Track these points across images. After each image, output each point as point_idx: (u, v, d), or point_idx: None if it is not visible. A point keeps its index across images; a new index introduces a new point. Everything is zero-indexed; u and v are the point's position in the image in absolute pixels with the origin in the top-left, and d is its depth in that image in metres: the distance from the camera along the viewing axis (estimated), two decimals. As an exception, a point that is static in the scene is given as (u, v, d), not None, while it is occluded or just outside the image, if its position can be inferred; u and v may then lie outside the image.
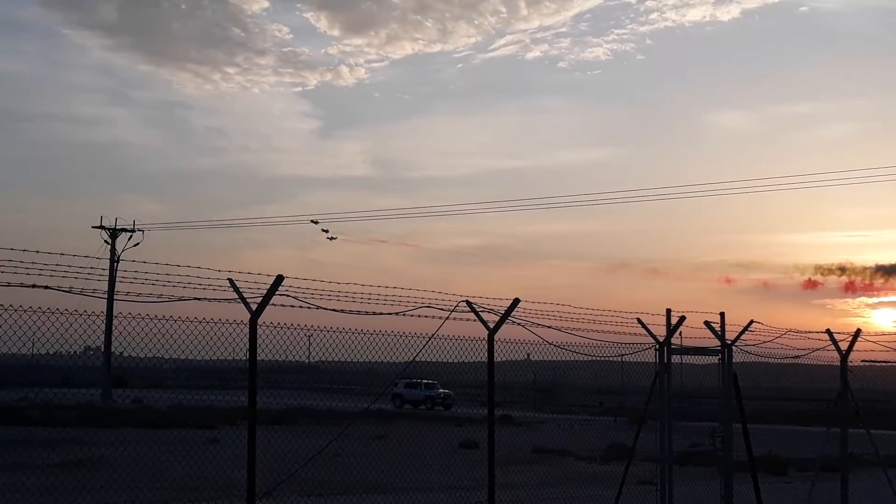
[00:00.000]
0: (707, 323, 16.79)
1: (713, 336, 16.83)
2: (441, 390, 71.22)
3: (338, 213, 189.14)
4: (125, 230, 68.32)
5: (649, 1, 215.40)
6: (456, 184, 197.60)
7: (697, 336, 17.22)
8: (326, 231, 75.04)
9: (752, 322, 17.34)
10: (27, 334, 11.13)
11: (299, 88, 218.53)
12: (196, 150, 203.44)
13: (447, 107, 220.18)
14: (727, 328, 16.92)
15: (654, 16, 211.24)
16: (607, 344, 16.96)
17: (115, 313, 11.97)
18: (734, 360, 16.94)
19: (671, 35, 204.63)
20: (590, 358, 17.86)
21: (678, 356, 16.72)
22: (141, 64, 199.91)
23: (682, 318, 16.27)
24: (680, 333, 16.93)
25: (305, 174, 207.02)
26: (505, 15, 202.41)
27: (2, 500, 17.92)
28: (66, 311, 11.36)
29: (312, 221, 75.42)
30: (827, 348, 19.31)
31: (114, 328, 11.93)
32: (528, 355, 18.41)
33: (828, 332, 19.21)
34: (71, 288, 10.82)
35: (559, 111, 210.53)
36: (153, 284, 11.30)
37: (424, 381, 68.81)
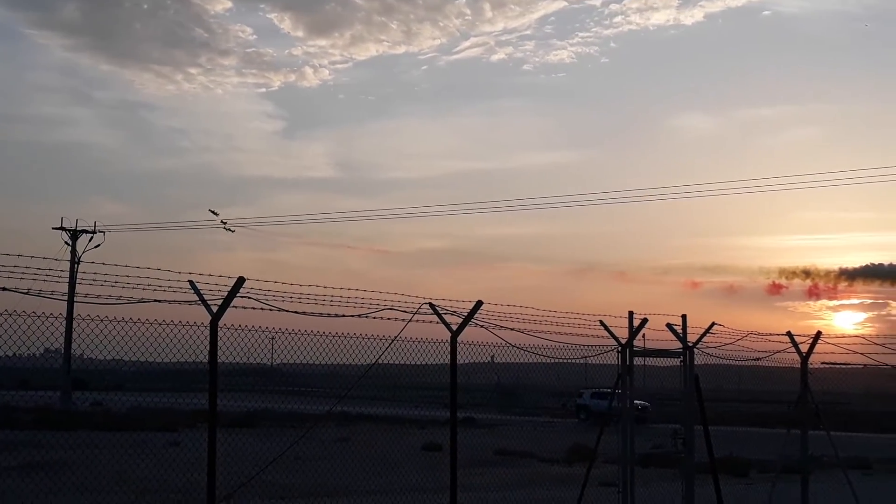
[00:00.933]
0: (669, 325, 16.87)
1: (676, 338, 16.91)
2: (637, 402, 67.71)
3: (302, 215, 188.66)
4: (86, 231, 67.76)
5: (613, 4, 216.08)
6: (421, 185, 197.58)
7: (661, 339, 17.30)
8: (225, 223, 74.42)
9: (713, 324, 17.44)
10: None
11: (263, 89, 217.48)
12: (158, 151, 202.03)
13: (412, 108, 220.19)
14: (689, 330, 17.00)
15: (618, 19, 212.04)
16: (571, 346, 17.01)
17: (74, 315, 11.85)
18: (696, 363, 17.03)
19: (635, 38, 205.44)
20: (553, 360, 17.88)
21: (641, 358, 16.79)
22: (103, 64, 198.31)
23: (645, 321, 16.34)
24: (643, 336, 17.02)
25: (269, 175, 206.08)
26: (470, 17, 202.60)
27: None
28: (25, 313, 11.24)
29: (211, 211, 75.04)
30: (788, 351, 19.46)
31: (73, 330, 11.81)
32: (493, 357, 18.38)
33: (788, 334, 19.36)
34: (29, 290, 10.71)
35: (524, 113, 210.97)
36: (113, 286, 11.22)
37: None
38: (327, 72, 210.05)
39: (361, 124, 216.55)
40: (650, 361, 18.07)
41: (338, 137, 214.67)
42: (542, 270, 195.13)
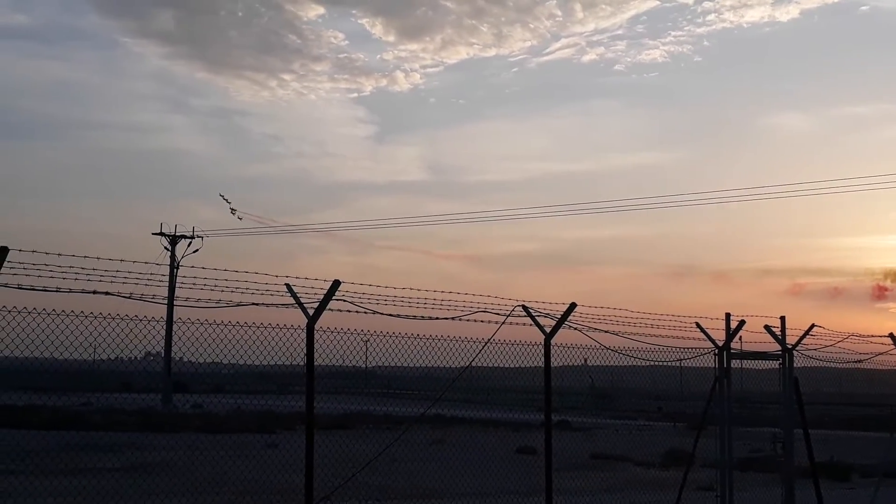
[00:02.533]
0: (767, 327, 16.60)
1: (774, 340, 16.63)
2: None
3: (393, 219, 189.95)
4: (184, 236, 69.10)
5: (707, 2, 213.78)
6: (512, 188, 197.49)
7: (758, 341, 17.03)
8: (234, 210, 74.98)
9: (812, 326, 17.11)
10: (88, 340, 11.27)
11: (355, 94, 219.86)
12: (253, 157, 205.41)
13: (502, 111, 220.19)
14: (788, 333, 16.71)
15: (711, 17, 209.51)
16: (665, 348, 16.82)
17: (174, 319, 12.10)
18: (795, 365, 16.73)
19: (729, 36, 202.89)
20: (648, 363, 17.71)
21: (738, 360, 16.55)
22: (199, 72, 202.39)
23: (742, 323, 16.10)
24: (740, 338, 16.76)
25: (361, 180, 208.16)
26: (560, 18, 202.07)
27: (67, 503, 18.17)
28: (126, 317, 11.50)
29: (221, 196, 75.71)
30: (890, 352, 19.01)
31: (174, 333, 12.03)
32: (586, 360, 18.27)
33: (891, 335, 18.91)
34: (131, 294, 10.95)
35: (616, 114, 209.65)
36: (212, 290, 11.40)
37: None
38: (418, 76, 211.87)
39: (452, 128, 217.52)
40: (747, 364, 17.78)
41: (429, 141, 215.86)
42: (636, 273, 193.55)
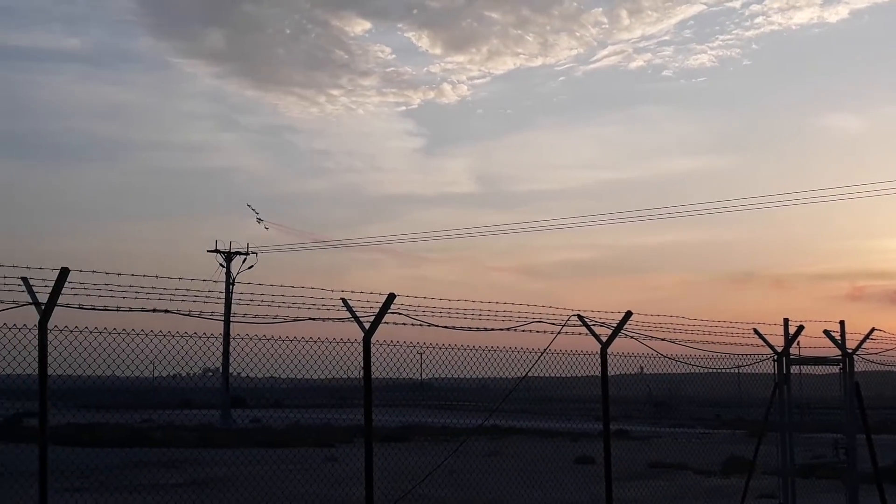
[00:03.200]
0: (827, 332, 16.42)
1: (833, 345, 16.45)
2: None
3: (444, 231, 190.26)
4: (239, 253, 69.70)
5: (754, 5, 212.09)
6: (562, 197, 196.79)
7: (817, 346, 16.86)
8: (261, 220, 75.80)
9: (873, 330, 16.91)
10: (148, 357, 11.44)
11: (403, 108, 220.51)
12: (303, 172, 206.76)
13: (551, 120, 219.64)
14: (848, 337, 16.51)
15: (759, 20, 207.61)
16: (723, 355, 16.70)
17: (231, 335, 12.26)
18: (856, 369, 16.53)
19: (778, 38, 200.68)
20: (704, 370, 17.59)
21: (797, 366, 16.38)
22: (248, 89, 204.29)
23: (801, 328, 15.94)
24: (798, 343, 16.59)
25: (410, 192, 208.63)
26: (606, 26, 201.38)
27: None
28: (185, 335, 11.65)
29: (249, 206, 76.54)
30: (954, 355, 18.72)
31: (231, 349, 12.18)
32: (642, 368, 18.18)
33: (954, 338, 18.62)
34: (190, 311, 11.08)
35: (665, 120, 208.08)
36: (269, 305, 11.52)
37: None
38: (465, 87, 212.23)
39: (501, 138, 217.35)
40: (805, 369, 17.59)
41: (477, 152, 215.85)
42: (691, 279, 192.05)
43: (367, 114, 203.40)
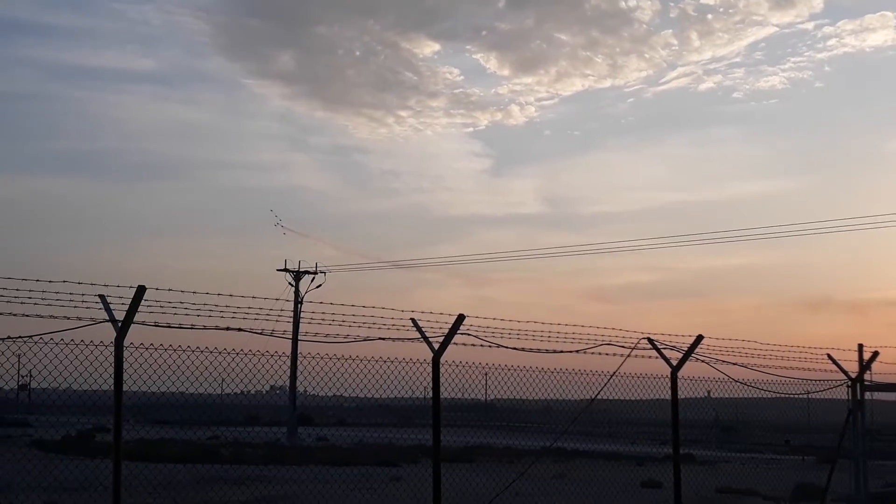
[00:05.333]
0: (901, 358, 16.14)
1: (908, 371, 16.16)
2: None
3: (510, 252, 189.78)
4: (308, 272, 70.20)
5: (827, 27, 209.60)
6: (629, 219, 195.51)
7: (891, 372, 16.57)
8: (278, 224, 77.31)
9: (950, 356, 16.56)
10: (214, 374, 11.59)
11: (470, 129, 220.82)
12: (372, 193, 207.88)
13: (619, 142, 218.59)
14: (924, 363, 16.22)
15: (832, 42, 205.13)
16: (794, 381, 16.48)
17: (299, 353, 12.37)
18: (932, 397, 16.22)
19: (851, 61, 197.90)
20: (773, 394, 17.36)
21: (870, 392, 16.11)
22: (318, 110, 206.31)
23: (876, 354, 15.69)
24: (870, 369, 16.32)
25: (477, 213, 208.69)
26: (676, 47, 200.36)
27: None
28: (253, 352, 11.79)
29: (271, 211, 78.31)
30: None
31: (298, 367, 12.28)
32: (709, 392, 18.01)
33: None
34: (262, 330, 11.22)
35: (735, 142, 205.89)
36: (339, 325, 11.61)
37: None
38: (533, 109, 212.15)
39: (568, 159, 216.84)
40: (878, 395, 17.30)
41: (544, 173, 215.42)
42: (761, 303, 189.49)
43: (435, 135, 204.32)
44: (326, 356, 11.87)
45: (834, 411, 17.66)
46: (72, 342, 10.19)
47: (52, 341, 10.10)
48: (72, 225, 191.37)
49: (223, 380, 12.32)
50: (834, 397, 16.81)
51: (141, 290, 10.05)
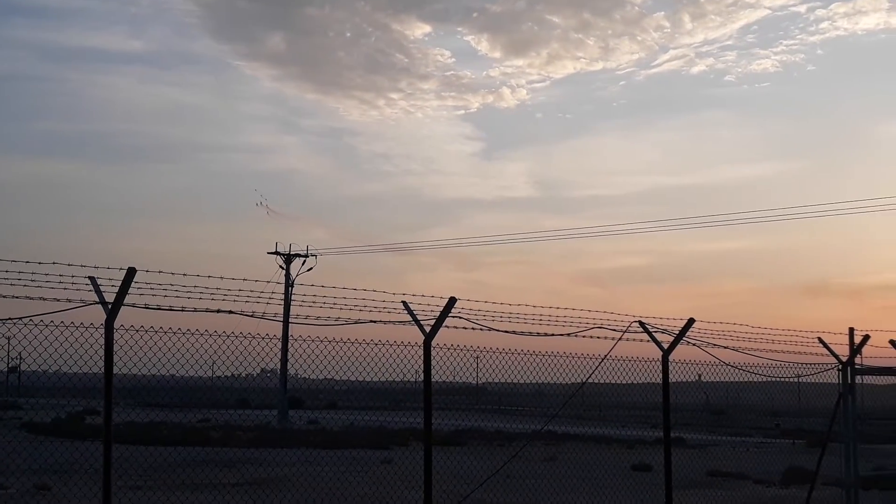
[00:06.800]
0: (893, 341, 16.16)
1: (899, 355, 16.19)
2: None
3: (502, 235, 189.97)
4: (299, 255, 70.14)
5: (820, 10, 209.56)
6: (621, 202, 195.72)
7: (883, 356, 16.60)
8: (261, 204, 78.19)
9: (940, 339, 16.58)
10: (205, 357, 11.55)
11: (461, 111, 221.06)
12: (362, 176, 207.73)
13: (610, 125, 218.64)
14: (914, 347, 16.24)
15: (824, 25, 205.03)
16: (784, 364, 16.49)
17: (290, 336, 12.32)
18: (922, 380, 16.26)
19: (843, 44, 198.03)
20: (766, 378, 17.40)
21: (861, 376, 16.14)
22: (308, 93, 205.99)
23: (867, 337, 15.70)
24: (860, 354, 16.34)
25: (469, 196, 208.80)
26: (668, 30, 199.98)
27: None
28: (246, 335, 11.75)
29: (255, 190, 79.25)
30: None
31: (289, 350, 12.23)
32: (700, 376, 18.04)
33: None
34: (253, 313, 11.18)
35: (727, 125, 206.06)
36: (331, 308, 11.57)
37: None
38: (525, 91, 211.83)
39: (560, 143, 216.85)
40: (867, 379, 17.32)
41: (536, 156, 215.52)
42: (751, 287, 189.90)
43: (426, 117, 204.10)
44: (318, 339, 11.82)
45: (824, 395, 17.68)
46: (62, 324, 10.15)
47: (41, 323, 10.05)
48: (61, 207, 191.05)
49: (214, 362, 12.30)
50: (825, 381, 16.84)
51: (131, 273, 9.99)
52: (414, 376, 13.76)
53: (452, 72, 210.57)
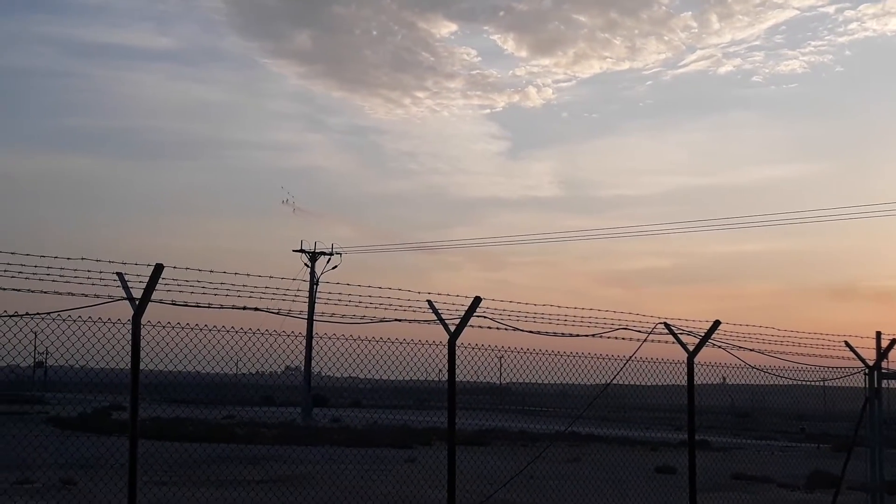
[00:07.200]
0: (920, 346, 16.03)
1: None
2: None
3: (527, 234, 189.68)
4: (324, 253, 70.30)
5: (848, 11, 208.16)
6: (646, 203, 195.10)
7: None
8: (286, 202, 78.58)
9: (968, 345, 16.43)
10: (230, 354, 11.59)
11: (487, 110, 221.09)
12: (388, 174, 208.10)
13: (636, 125, 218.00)
14: (942, 351, 16.11)
15: (853, 26, 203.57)
16: (810, 367, 16.39)
17: (315, 334, 12.34)
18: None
19: (872, 45, 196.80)
20: (792, 382, 17.30)
21: (888, 381, 16.02)
22: (334, 90, 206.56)
23: (894, 341, 15.58)
24: (887, 358, 16.22)
25: (494, 195, 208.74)
26: (696, 30, 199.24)
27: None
28: (269, 332, 11.77)
29: (282, 188, 79.27)
30: None
31: (314, 348, 12.24)
32: (724, 378, 17.95)
33: None
34: (279, 310, 11.19)
35: (754, 126, 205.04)
36: (356, 306, 11.57)
37: None
38: (550, 91, 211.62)
39: (585, 142, 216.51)
40: (894, 384, 17.19)
41: (561, 156, 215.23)
42: (778, 290, 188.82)
43: (452, 116, 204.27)
44: (342, 336, 11.83)
45: (850, 399, 17.57)
46: (89, 319, 10.19)
47: (69, 318, 10.10)
48: (88, 203, 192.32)
49: (239, 359, 12.34)
50: (851, 385, 16.73)
51: (159, 269, 10.04)
52: (437, 375, 13.77)
53: (478, 71, 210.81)
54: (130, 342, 10.34)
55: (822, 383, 17.71)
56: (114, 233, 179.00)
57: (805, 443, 56.10)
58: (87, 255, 9.91)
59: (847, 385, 16.98)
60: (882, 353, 15.41)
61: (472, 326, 12.44)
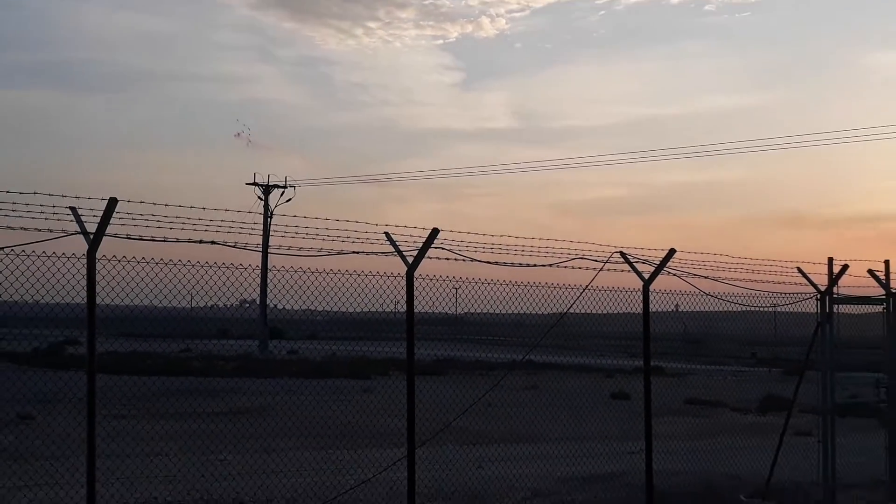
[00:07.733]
0: (871, 271, 16.28)
1: (877, 285, 16.33)
2: None
3: (480, 166, 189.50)
4: (277, 186, 69.97)
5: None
6: (601, 133, 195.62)
7: (861, 286, 16.74)
8: (241, 134, 78.61)
9: (918, 269, 16.71)
10: (185, 287, 11.53)
11: (440, 41, 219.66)
12: (339, 106, 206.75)
13: (589, 55, 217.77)
14: (893, 276, 16.39)
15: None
16: (763, 294, 16.61)
17: (271, 267, 12.29)
18: (899, 310, 16.39)
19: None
20: (744, 308, 17.52)
21: (839, 305, 16.28)
22: (285, 21, 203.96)
23: (845, 267, 15.80)
24: (838, 283, 16.46)
25: (447, 127, 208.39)
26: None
27: (176, 445, 18.73)
28: (224, 265, 11.72)
29: (237, 120, 79.05)
30: None
31: (269, 281, 12.21)
32: (677, 306, 18.17)
33: None
34: (236, 243, 11.13)
35: (706, 56, 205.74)
36: (312, 239, 11.53)
37: None
38: (504, 21, 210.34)
39: (538, 73, 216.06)
40: (844, 309, 17.46)
41: (515, 87, 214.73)
42: (731, 218, 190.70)
43: (404, 47, 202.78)
44: (298, 269, 11.79)
45: (801, 325, 17.87)
46: (43, 254, 10.10)
47: (22, 253, 9.99)
48: (40, 136, 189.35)
49: (195, 293, 12.28)
50: (802, 311, 16.98)
51: (113, 202, 9.93)
52: (392, 307, 13.79)
53: (431, 1, 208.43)
54: (86, 277, 10.25)
55: (773, 309, 17.97)
56: (65, 167, 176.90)
57: (756, 367, 57.15)
58: (39, 190, 9.78)
59: (799, 311, 17.24)
60: (834, 279, 15.64)
61: (430, 258, 12.44)
